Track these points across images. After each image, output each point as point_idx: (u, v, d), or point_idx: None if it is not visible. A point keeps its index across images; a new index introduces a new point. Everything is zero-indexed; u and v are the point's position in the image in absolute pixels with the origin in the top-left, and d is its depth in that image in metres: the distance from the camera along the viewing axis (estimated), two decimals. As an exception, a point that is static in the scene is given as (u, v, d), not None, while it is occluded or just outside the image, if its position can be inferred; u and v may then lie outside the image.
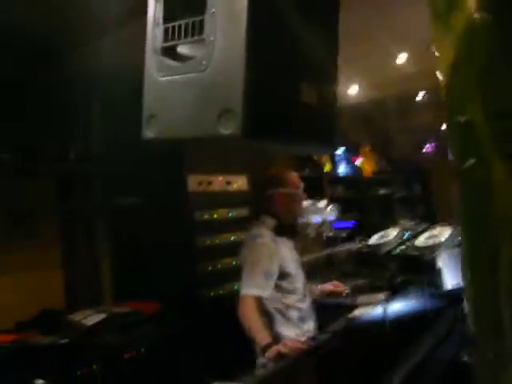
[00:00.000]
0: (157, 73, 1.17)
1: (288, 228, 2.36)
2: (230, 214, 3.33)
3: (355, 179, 6.11)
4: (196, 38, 1.10)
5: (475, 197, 0.54)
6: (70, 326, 2.53)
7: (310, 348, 2.00)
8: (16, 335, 2.40)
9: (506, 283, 0.52)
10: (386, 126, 6.58)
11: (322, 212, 4.15)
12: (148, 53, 1.22)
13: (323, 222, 4.13)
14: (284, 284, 2.23)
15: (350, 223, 5.23)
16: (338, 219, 4.45)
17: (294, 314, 2.26)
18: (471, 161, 0.50)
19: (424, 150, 7.38)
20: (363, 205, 6.11)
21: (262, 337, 2.03)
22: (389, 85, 4.64)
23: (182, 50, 1.18)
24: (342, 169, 5.91)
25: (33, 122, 2.75)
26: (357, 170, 6.16)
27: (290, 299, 2.25)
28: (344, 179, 5.87)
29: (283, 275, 2.22)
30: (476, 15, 0.44)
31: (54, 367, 2.20)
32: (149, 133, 1.19)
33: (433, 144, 7.41)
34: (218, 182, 3.29)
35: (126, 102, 3.01)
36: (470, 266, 0.56)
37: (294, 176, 2.43)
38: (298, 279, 2.32)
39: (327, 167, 5.27)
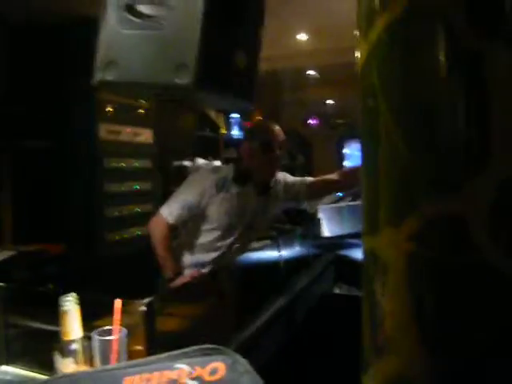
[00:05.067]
0: (118, 26, 1.38)
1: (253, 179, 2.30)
2: (136, 164, 3.49)
3: (246, 144, 6.49)
4: (157, 1, 1.34)
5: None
6: (-24, 261, 2.55)
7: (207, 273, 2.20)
8: None
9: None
10: (277, 97, 7.06)
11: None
12: (110, 7, 1.42)
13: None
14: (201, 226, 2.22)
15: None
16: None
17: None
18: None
19: (309, 123, 8.03)
20: (252, 168, 6.55)
21: (167, 267, 2.10)
22: (282, 59, 5.03)
23: (141, 8, 1.40)
24: (235, 132, 6.26)
25: None
26: (248, 136, 6.52)
27: (205, 238, 2.24)
28: (236, 142, 6.23)
29: (203, 217, 2.21)
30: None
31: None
32: (108, 76, 1.40)
33: (316, 118, 8.09)
34: (127, 132, 3.41)
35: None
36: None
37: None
38: (226, 228, 2.25)
39: (223, 130, 5.57)
